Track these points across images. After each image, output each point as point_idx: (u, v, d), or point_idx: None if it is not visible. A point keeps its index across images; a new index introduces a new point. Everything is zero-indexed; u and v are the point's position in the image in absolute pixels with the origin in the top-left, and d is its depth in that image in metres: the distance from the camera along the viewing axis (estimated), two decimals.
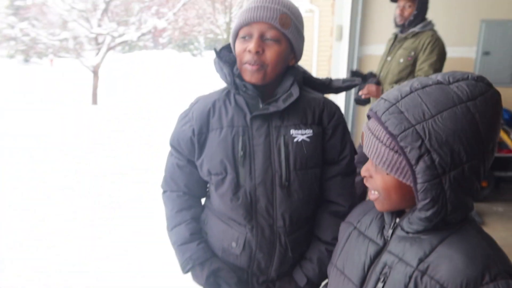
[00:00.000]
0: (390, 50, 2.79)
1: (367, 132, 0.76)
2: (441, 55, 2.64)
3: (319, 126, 1.11)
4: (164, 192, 1.27)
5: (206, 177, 1.15)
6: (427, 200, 0.69)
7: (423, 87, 0.71)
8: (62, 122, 7.75)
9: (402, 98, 0.71)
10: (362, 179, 0.84)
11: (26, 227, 3.23)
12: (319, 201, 1.18)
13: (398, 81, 2.66)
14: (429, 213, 0.70)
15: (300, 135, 1.08)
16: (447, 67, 4.20)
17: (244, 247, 1.12)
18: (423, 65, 2.60)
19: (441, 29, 4.17)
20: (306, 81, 1.19)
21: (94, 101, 10.51)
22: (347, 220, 0.97)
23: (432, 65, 2.59)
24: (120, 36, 10.54)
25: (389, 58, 2.75)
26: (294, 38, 1.05)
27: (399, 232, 0.79)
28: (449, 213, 0.70)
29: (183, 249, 1.18)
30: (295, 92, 1.06)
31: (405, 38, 2.70)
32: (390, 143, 0.71)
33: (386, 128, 0.71)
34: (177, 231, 1.20)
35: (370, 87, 2.70)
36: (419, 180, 0.69)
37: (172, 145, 1.21)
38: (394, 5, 4.13)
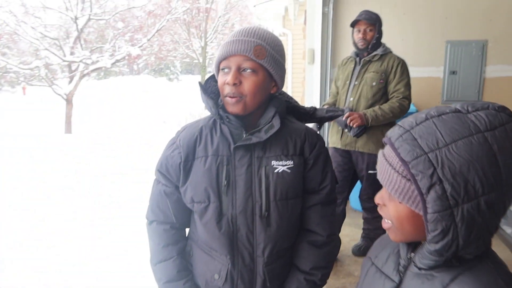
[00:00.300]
0: (356, 74, 2.75)
1: (382, 159, 0.75)
2: (409, 76, 2.73)
3: (301, 157, 1.14)
4: (151, 223, 1.25)
5: (189, 204, 1.17)
6: (437, 232, 0.67)
7: (439, 115, 0.70)
8: (34, 152, 7.50)
9: (417, 124, 0.70)
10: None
11: (25, 227, 3.10)
12: (297, 231, 1.20)
13: (373, 104, 2.65)
14: (438, 245, 0.67)
15: (281, 166, 1.12)
16: (417, 87, 4.32)
17: (226, 278, 1.14)
18: (398, 87, 2.64)
19: (410, 50, 4.31)
20: (290, 110, 1.22)
21: (68, 130, 10.28)
22: (368, 255, 0.94)
23: (407, 85, 2.66)
24: (93, 63, 10.44)
25: (357, 82, 2.72)
26: (271, 67, 1.09)
27: (412, 268, 0.76)
28: (461, 248, 0.67)
29: (169, 287, 1.20)
30: (276, 123, 1.10)
31: (370, 61, 2.70)
32: (403, 170, 0.70)
33: (398, 154, 0.69)
34: (163, 267, 1.21)
35: (353, 114, 2.58)
36: (429, 210, 0.66)
37: (160, 172, 1.20)
38: None
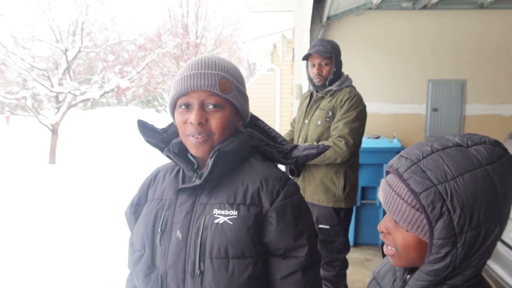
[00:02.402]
0: (307, 112, 2.45)
1: (387, 188, 0.77)
2: (360, 113, 2.30)
3: (253, 208, 0.93)
4: (129, 273, 1.16)
5: (134, 254, 1.05)
6: (439, 255, 0.71)
7: (443, 148, 0.74)
8: (17, 182, 7.32)
9: (423, 157, 0.73)
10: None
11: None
12: None
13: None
14: (437, 266, 0.71)
15: (223, 216, 0.93)
16: (401, 123, 4.45)
17: None
18: (337, 124, 2.27)
19: (394, 88, 4.46)
20: (262, 149, 1.05)
21: (52, 160, 10.11)
22: (375, 269, 0.97)
23: (347, 124, 2.24)
24: (82, 94, 10.45)
25: (306, 121, 2.43)
26: (237, 101, 0.97)
27: None
28: (457, 267, 0.72)
29: None
30: (210, 163, 0.93)
31: (322, 98, 2.38)
32: (412, 201, 0.72)
33: (408, 186, 0.72)
34: None
35: None
36: (435, 237, 0.70)
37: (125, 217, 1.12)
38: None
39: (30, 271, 2.92)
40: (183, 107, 0.96)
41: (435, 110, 4.47)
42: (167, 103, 1.05)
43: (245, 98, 1.02)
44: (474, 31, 4.36)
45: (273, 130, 1.11)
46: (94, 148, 12.15)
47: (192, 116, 0.93)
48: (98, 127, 16.11)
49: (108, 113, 22.00)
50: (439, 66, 4.42)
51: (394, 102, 4.49)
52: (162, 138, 1.04)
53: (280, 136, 1.10)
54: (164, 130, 1.07)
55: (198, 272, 0.92)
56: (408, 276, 0.81)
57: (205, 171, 0.94)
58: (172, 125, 1.08)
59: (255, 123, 1.11)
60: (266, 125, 1.12)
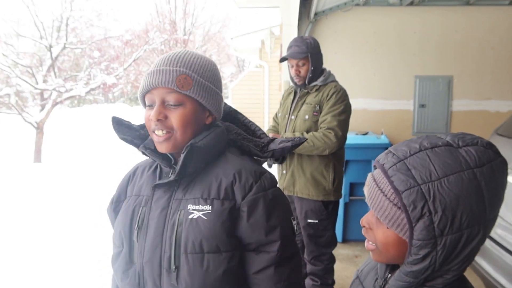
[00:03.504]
0: (292, 107, 2.47)
1: (372, 183, 0.76)
2: (346, 107, 2.35)
3: (227, 202, 0.93)
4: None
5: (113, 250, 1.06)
6: (418, 256, 0.69)
7: (432, 147, 0.71)
8: (2, 181, 7.18)
9: (410, 155, 0.71)
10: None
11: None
12: None
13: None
14: (415, 267, 0.70)
15: (197, 211, 0.92)
16: (389, 119, 4.47)
17: None
18: (326, 117, 2.30)
19: (382, 84, 4.48)
20: (239, 143, 1.04)
21: (37, 159, 9.93)
22: (358, 268, 0.96)
23: (335, 116, 2.29)
24: (67, 91, 10.27)
25: (293, 117, 2.44)
26: (200, 97, 0.95)
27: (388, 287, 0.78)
28: (436, 270, 0.70)
29: None
30: (181, 158, 0.93)
31: (307, 93, 2.42)
32: (394, 199, 0.71)
33: (391, 183, 0.71)
34: None
35: None
36: (415, 237, 0.69)
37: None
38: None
39: (17, 270, 2.85)
40: (149, 104, 0.96)
41: (422, 106, 4.49)
42: (139, 99, 1.01)
43: (212, 93, 0.98)
44: (460, 27, 4.39)
45: (253, 124, 1.10)
46: (81, 146, 11.98)
47: (152, 113, 0.93)
48: (85, 124, 15.90)
49: (95, 110, 21.74)
50: (426, 62, 4.45)
51: (381, 98, 4.51)
52: (139, 135, 1.03)
53: (260, 129, 1.10)
54: (141, 127, 1.05)
55: (174, 267, 0.92)
56: (389, 275, 0.80)
57: (177, 166, 0.94)
58: None
59: (235, 117, 1.10)
60: (246, 118, 1.11)
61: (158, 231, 0.94)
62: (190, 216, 0.92)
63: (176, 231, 0.92)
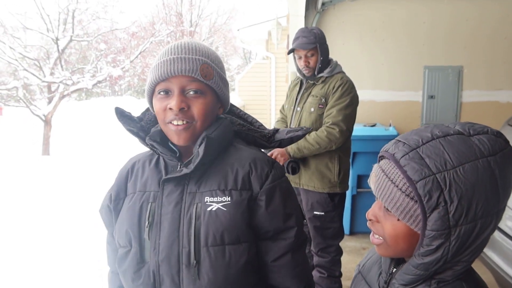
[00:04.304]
0: (298, 99, 2.45)
1: (380, 174, 0.73)
2: (352, 99, 2.32)
3: (245, 192, 0.92)
4: (109, 270, 1.14)
5: (118, 251, 1.00)
6: (431, 248, 0.68)
7: (444, 136, 0.69)
8: (11, 174, 7.25)
9: (423, 143, 0.69)
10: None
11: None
12: None
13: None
14: (427, 259, 0.68)
15: (215, 203, 0.90)
16: (397, 110, 4.42)
17: None
18: (331, 110, 2.28)
19: (390, 74, 4.42)
20: (244, 134, 1.04)
21: (46, 152, 10.02)
22: (359, 262, 0.94)
23: (341, 110, 2.26)
24: (74, 84, 10.31)
25: (298, 109, 2.42)
26: (219, 88, 0.94)
27: (392, 284, 0.77)
28: (448, 262, 0.69)
29: None
30: (201, 150, 0.90)
31: (313, 84, 2.39)
32: (407, 189, 0.69)
33: (404, 173, 0.68)
34: None
35: (273, 153, 2.31)
36: (428, 228, 0.67)
37: (100, 214, 1.07)
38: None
39: (26, 264, 2.89)
40: (162, 93, 0.92)
41: (431, 97, 4.43)
42: (146, 89, 0.96)
43: (226, 84, 0.98)
44: (471, 17, 4.30)
45: (249, 116, 1.09)
46: (89, 139, 12.06)
47: (173, 102, 0.89)
48: (92, 117, 15.99)
49: (103, 103, 21.84)
50: (435, 53, 4.37)
51: (390, 89, 4.45)
52: (140, 127, 0.99)
53: (257, 121, 1.09)
54: (140, 119, 1.02)
55: (194, 262, 0.90)
56: (395, 270, 0.78)
57: (195, 158, 0.91)
58: (146, 113, 1.03)
59: (231, 109, 1.09)
60: (241, 111, 1.10)
61: (174, 226, 0.91)
62: (209, 209, 0.91)
63: (195, 225, 0.90)
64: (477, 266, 0.75)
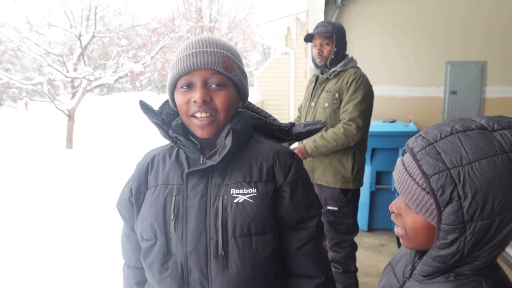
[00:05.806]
0: (313, 94, 2.45)
1: (401, 168, 0.75)
2: (367, 94, 2.30)
3: (269, 184, 0.95)
4: (124, 265, 1.16)
5: (141, 244, 1.01)
6: (446, 241, 0.68)
7: (464, 130, 0.69)
8: (35, 167, 7.49)
9: (441, 138, 0.70)
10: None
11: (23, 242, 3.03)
12: (274, 278, 0.98)
13: (327, 129, 2.31)
14: (443, 252, 0.69)
15: (242, 195, 0.93)
16: (418, 106, 4.34)
17: None
18: (347, 106, 2.27)
19: (411, 70, 4.34)
20: (261, 128, 1.06)
21: (69, 146, 10.28)
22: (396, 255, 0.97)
23: (356, 106, 2.25)
24: (96, 79, 10.53)
25: (312, 104, 2.42)
26: (239, 80, 0.96)
27: (415, 274, 0.78)
28: (465, 256, 0.69)
29: None
30: (228, 142, 0.92)
31: (327, 79, 2.38)
32: (422, 183, 0.70)
33: (420, 167, 0.69)
34: None
35: (298, 150, 2.32)
36: (443, 222, 0.68)
37: (117, 209, 1.09)
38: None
39: (48, 255, 2.99)
40: (184, 87, 0.93)
41: (453, 93, 4.34)
42: (168, 84, 0.97)
43: (246, 77, 1.00)
44: (496, 9, 4.18)
45: (262, 110, 1.11)
46: (110, 133, 12.31)
47: (196, 95, 0.91)
48: (114, 112, 16.29)
49: (124, 98, 22.20)
50: (458, 47, 4.28)
51: (410, 85, 4.38)
52: (162, 120, 1.01)
53: (271, 115, 1.11)
54: (159, 112, 1.03)
55: (222, 252, 0.92)
56: (418, 261, 0.80)
57: (221, 150, 0.93)
58: (164, 107, 1.04)
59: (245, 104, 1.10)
60: (254, 105, 1.11)
61: (200, 218, 0.93)
62: (235, 201, 0.93)
63: (222, 216, 0.92)
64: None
